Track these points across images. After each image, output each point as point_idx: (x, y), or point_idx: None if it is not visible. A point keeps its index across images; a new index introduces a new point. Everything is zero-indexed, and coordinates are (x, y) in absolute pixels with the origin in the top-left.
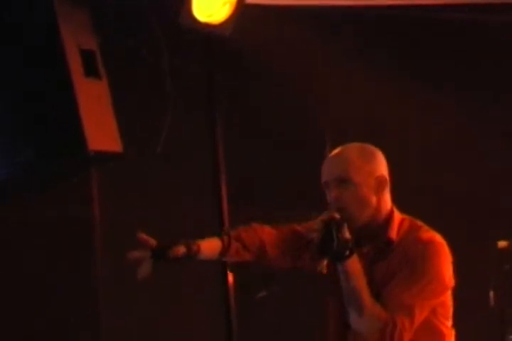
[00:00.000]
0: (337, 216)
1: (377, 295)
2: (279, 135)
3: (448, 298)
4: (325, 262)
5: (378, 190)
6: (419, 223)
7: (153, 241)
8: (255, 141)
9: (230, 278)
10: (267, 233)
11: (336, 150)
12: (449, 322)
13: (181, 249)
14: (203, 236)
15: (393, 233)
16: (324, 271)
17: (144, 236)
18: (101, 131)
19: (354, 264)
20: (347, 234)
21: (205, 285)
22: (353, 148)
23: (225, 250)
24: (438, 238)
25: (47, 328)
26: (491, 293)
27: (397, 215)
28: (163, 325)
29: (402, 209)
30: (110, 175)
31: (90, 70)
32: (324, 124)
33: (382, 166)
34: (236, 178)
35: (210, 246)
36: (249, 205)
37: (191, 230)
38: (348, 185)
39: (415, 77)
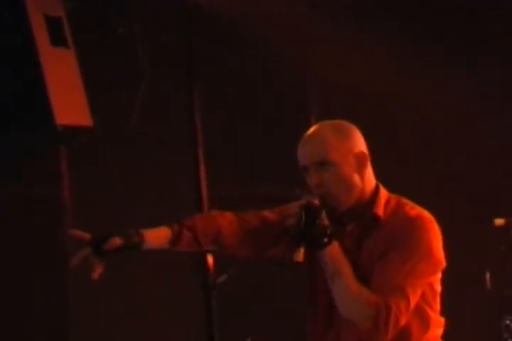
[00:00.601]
0: (316, 202)
1: (363, 278)
2: (260, 107)
3: (436, 281)
4: (302, 250)
5: (360, 168)
6: (406, 200)
7: (87, 236)
8: (235, 114)
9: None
10: (227, 221)
11: (310, 131)
12: (437, 307)
13: (117, 241)
14: (178, 216)
15: (379, 209)
16: (301, 259)
17: (75, 232)
18: (69, 104)
19: (334, 251)
20: (325, 221)
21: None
22: (326, 127)
23: (175, 240)
24: (426, 214)
25: (14, 305)
26: (488, 275)
27: (383, 192)
28: (139, 303)
29: (400, 185)
30: (80, 152)
31: (57, 39)
32: (310, 97)
33: (359, 142)
34: (215, 154)
35: (157, 236)
36: (229, 182)
37: (167, 208)
38: (327, 166)
39: (413, 51)
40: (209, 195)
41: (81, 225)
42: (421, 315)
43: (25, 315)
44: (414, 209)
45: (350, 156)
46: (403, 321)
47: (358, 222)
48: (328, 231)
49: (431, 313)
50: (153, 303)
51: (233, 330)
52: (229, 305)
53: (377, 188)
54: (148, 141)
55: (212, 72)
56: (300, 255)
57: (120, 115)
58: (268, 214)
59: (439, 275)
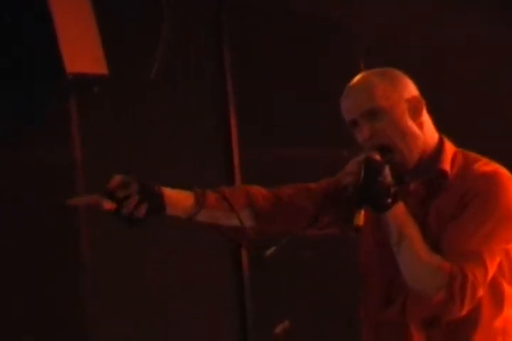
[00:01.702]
0: (377, 156)
1: (433, 245)
2: (298, 67)
3: None
4: (362, 212)
5: (415, 114)
6: (477, 156)
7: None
8: (270, 70)
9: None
10: (256, 188)
11: (353, 81)
12: None
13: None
14: (204, 181)
15: (446, 163)
16: (361, 223)
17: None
18: (82, 50)
19: (399, 212)
20: (389, 178)
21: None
22: (371, 74)
23: (199, 199)
24: (503, 170)
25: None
26: None
27: (449, 146)
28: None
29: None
30: (93, 105)
31: None
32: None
33: (410, 87)
34: (248, 111)
35: (177, 194)
36: (264, 143)
37: (192, 171)
38: (379, 116)
39: None
40: (241, 157)
41: (94, 187)
42: (494, 290)
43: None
44: (489, 165)
45: (403, 102)
46: (481, 292)
47: (422, 180)
48: (392, 190)
49: (507, 288)
50: (184, 284)
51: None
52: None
53: (440, 141)
54: (171, 95)
55: (247, 20)
56: (361, 218)
57: (140, 63)
58: (314, 185)
59: None
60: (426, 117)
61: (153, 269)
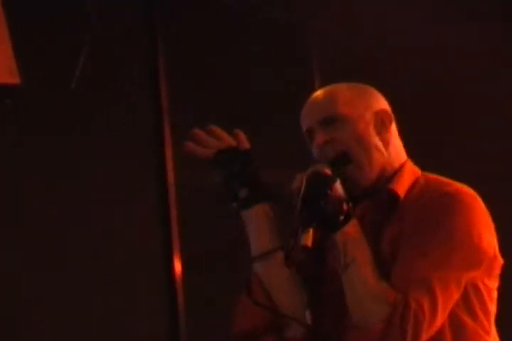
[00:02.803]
0: (327, 170)
1: (384, 273)
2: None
3: (483, 279)
4: (310, 232)
5: (381, 128)
6: (444, 179)
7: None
8: (211, 81)
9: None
10: None
11: (318, 91)
12: (486, 316)
13: None
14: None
15: (399, 185)
16: (309, 243)
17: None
18: None
19: (352, 232)
20: (340, 192)
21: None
22: (340, 85)
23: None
24: (468, 189)
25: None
26: None
27: (411, 168)
28: None
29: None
30: (5, 120)
31: None
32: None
33: (381, 100)
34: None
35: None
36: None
37: (120, 200)
38: (339, 124)
39: None
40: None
41: None
42: (457, 325)
43: None
44: (452, 186)
45: (369, 113)
46: (427, 324)
47: (372, 201)
48: (345, 206)
49: (472, 324)
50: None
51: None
52: None
53: (404, 163)
54: (94, 107)
55: (184, 26)
56: (308, 238)
57: (59, 72)
58: None
59: (496, 273)
60: (394, 136)
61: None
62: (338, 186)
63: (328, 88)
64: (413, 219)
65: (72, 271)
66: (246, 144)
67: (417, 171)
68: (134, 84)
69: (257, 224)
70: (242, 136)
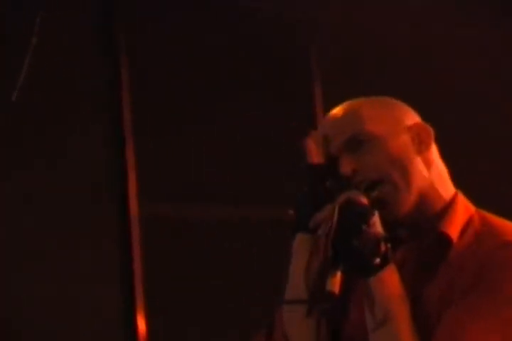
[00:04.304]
0: (364, 199)
1: (423, 331)
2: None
3: None
4: (338, 276)
5: (420, 145)
6: (502, 221)
7: None
8: (179, 95)
9: None
10: None
11: (334, 109)
12: None
13: None
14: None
15: (453, 227)
16: (336, 289)
17: None
18: None
19: (390, 280)
20: (378, 228)
21: None
22: (360, 100)
23: None
24: None
25: None
26: None
27: (464, 205)
28: None
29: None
30: None
31: None
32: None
33: (411, 114)
34: (149, 154)
35: None
36: (168, 198)
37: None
38: (368, 145)
39: None
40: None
41: None
42: None
43: None
44: None
45: (402, 129)
46: None
47: (416, 244)
48: (383, 247)
49: None
50: None
51: None
52: None
53: (454, 197)
54: (46, 117)
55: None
56: (335, 283)
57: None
58: None
59: None
60: (436, 157)
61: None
62: (377, 220)
63: (346, 104)
64: (467, 274)
65: None
66: None
67: (471, 207)
68: (89, 100)
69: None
70: None
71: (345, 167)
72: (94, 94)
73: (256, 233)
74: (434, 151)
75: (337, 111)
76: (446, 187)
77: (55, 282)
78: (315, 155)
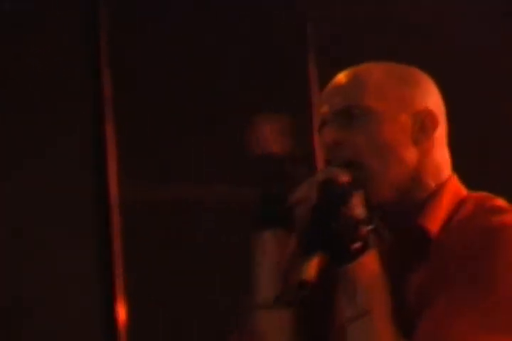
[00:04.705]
0: (345, 177)
1: (407, 325)
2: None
3: None
4: (315, 261)
5: (420, 135)
6: (501, 203)
7: None
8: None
9: None
10: None
11: (347, 70)
12: None
13: None
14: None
15: (431, 217)
16: (311, 276)
17: None
18: None
19: (371, 268)
20: (360, 210)
21: None
22: (377, 65)
23: None
24: None
25: None
26: None
27: (453, 189)
28: None
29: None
30: None
31: None
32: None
33: (430, 97)
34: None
35: None
36: (144, 178)
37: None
38: (360, 119)
39: None
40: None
41: None
42: None
43: None
44: (502, 215)
45: (407, 112)
46: None
47: (399, 233)
48: (364, 230)
49: None
50: None
51: None
52: None
53: (446, 182)
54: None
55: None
56: (311, 270)
57: None
58: None
59: None
60: (438, 145)
61: None
62: (358, 201)
63: (360, 67)
64: (447, 262)
65: None
66: None
67: (462, 192)
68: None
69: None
70: None
71: (328, 135)
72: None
73: (234, 214)
74: (436, 140)
75: (347, 72)
76: (436, 176)
77: (33, 269)
78: (272, 142)
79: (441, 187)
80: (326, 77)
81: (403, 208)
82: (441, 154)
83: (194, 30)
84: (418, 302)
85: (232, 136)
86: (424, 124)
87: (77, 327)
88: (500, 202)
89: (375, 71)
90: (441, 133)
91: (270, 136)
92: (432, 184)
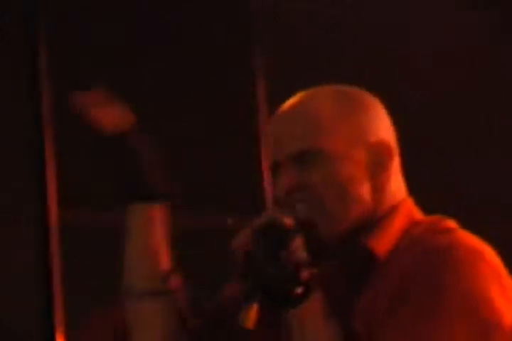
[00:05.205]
0: (287, 220)
1: None
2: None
3: None
4: (254, 308)
5: (376, 168)
6: (451, 224)
7: None
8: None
9: None
10: None
11: (292, 101)
12: None
13: None
14: None
15: (379, 238)
16: (250, 324)
17: None
18: None
19: (313, 313)
20: (301, 254)
21: None
22: (325, 95)
23: None
24: (473, 242)
25: None
26: None
27: (406, 212)
28: None
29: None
30: None
31: None
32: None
33: (380, 123)
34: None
35: None
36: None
37: None
38: (315, 161)
39: None
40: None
41: None
42: None
43: None
44: (447, 235)
45: (362, 147)
46: None
47: (339, 262)
48: (305, 274)
49: None
50: None
51: None
52: None
53: (399, 204)
54: None
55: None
56: (250, 317)
57: None
58: None
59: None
60: (393, 174)
61: None
62: (299, 244)
63: (306, 99)
64: (392, 282)
65: None
66: None
67: (415, 215)
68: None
69: None
70: None
71: (287, 179)
72: None
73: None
74: (392, 168)
75: (293, 106)
76: (390, 202)
77: None
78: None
79: (393, 209)
80: None
81: (352, 232)
82: (396, 182)
83: None
84: (365, 330)
85: None
86: (379, 157)
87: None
88: (451, 223)
89: (323, 105)
90: (396, 161)
91: (96, 113)
92: (385, 208)
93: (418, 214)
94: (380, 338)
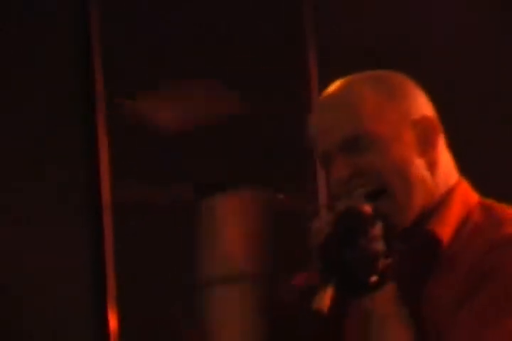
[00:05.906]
0: (366, 208)
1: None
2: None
3: None
4: (329, 293)
5: (425, 144)
6: (508, 212)
7: None
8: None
9: None
10: None
11: (330, 90)
12: None
13: None
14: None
15: (442, 223)
16: (324, 307)
17: None
18: None
19: (387, 302)
20: (378, 244)
21: None
22: (360, 81)
23: None
24: None
25: None
26: None
27: (463, 194)
28: None
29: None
30: None
31: None
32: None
33: (419, 102)
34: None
35: None
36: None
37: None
38: (367, 146)
39: None
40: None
41: None
42: None
43: None
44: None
45: (406, 125)
46: None
47: (406, 248)
48: (381, 263)
49: None
50: None
51: None
52: None
53: (453, 188)
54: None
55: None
56: (324, 300)
57: None
58: None
59: None
60: (443, 151)
61: None
62: (378, 233)
63: (345, 89)
64: (464, 275)
65: None
66: None
67: (473, 197)
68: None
69: None
70: None
71: (341, 169)
72: None
73: None
74: (441, 146)
75: (334, 96)
76: (446, 182)
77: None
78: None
79: (450, 192)
80: None
81: (417, 219)
82: (446, 159)
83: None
84: (436, 320)
85: None
86: (427, 133)
87: (67, 330)
88: (509, 210)
89: (363, 92)
90: (442, 137)
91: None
92: (442, 190)
93: (474, 197)
94: (449, 326)
